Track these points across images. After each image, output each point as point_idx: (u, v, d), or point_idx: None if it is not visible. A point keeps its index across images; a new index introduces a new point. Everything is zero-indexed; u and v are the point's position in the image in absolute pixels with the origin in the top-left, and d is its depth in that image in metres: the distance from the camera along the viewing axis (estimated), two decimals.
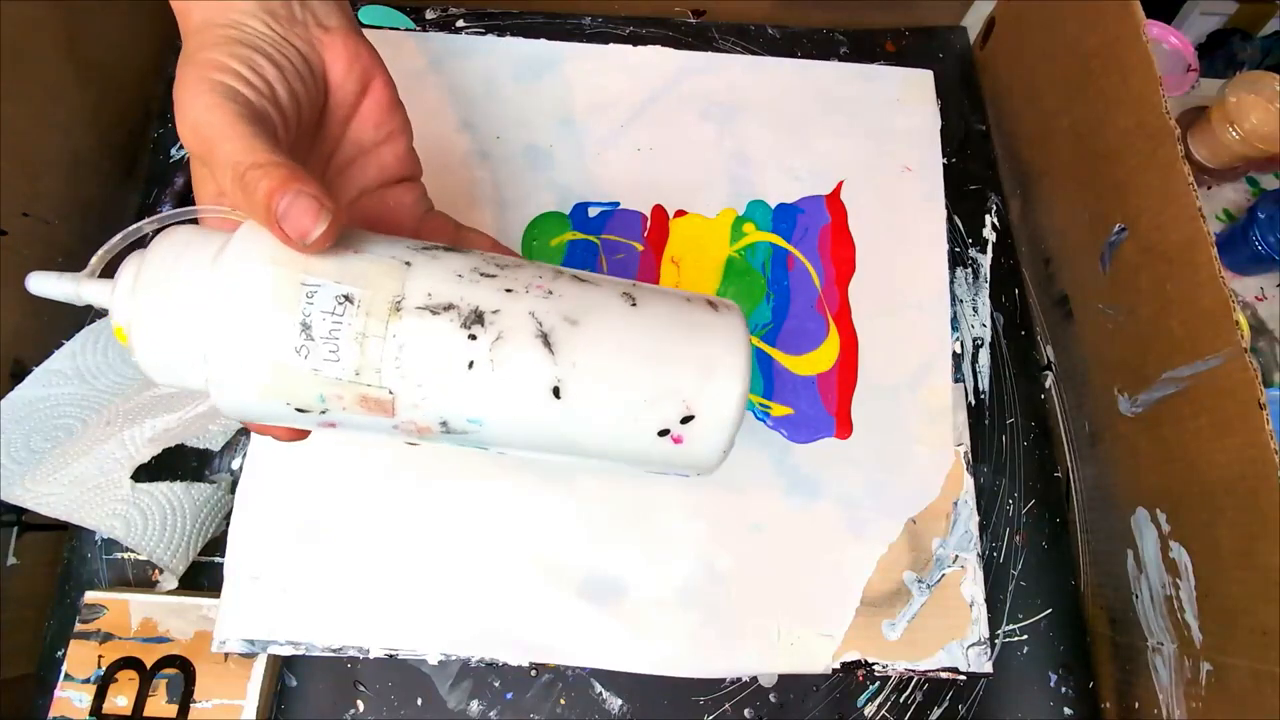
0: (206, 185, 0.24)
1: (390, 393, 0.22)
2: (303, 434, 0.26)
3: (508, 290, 0.23)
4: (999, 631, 0.39)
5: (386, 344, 0.21)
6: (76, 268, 0.23)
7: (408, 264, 0.22)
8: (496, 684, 0.37)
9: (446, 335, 0.22)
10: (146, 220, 0.23)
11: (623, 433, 0.23)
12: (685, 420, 0.23)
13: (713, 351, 0.23)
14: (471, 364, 0.22)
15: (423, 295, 0.22)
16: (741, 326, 0.24)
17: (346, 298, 0.21)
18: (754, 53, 0.50)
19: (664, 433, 0.23)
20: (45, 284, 0.23)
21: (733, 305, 0.25)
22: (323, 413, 0.22)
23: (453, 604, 0.36)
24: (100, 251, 0.23)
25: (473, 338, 0.22)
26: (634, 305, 0.24)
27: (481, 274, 0.23)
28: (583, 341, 0.22)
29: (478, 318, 0.22)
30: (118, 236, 0.22)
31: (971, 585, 0.38)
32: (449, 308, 0.22)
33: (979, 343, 0.44)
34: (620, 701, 0.37)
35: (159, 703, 0.34)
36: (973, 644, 0.37)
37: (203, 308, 0.21)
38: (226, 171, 0.21)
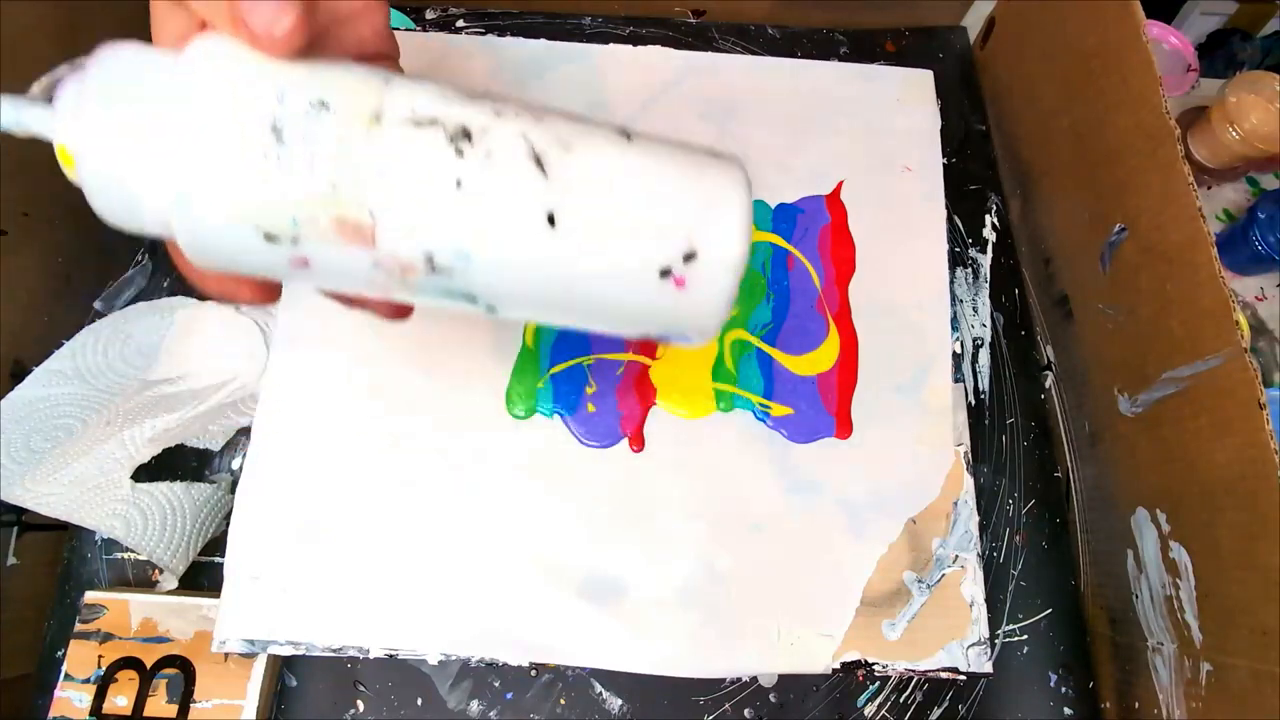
0: (165, 25, 0.22)
1: (371, 215, 0.20)
2: (272, 296, 0.23)
3: (496, 113, 0.21)
4: (999, 631, 0.39)
5: (366, 156, 0.19)
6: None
7: (387, 80, 0.20)
8: (496, 684, 0.37)
9: (432, 150, 0.20)
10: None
11: (623, 270, 0.21)
12: (688, 258, 0.21)
13: (714, 185, 0.22)
14: (459, 183, 0.20)
15: (406, 108, 0.20)
16: (743, 170, 0.23)
17: (322, 103, 0.19)
18: (754, 53, 0.50)
19: (666, 273, 0.21)
20: None
21: (733, 154, 0.24)
22: (294, 241, 0.20)
23: (453, 604, 0.36)
24: (46, 77, 0.20)
25: (460, 153, 0.20)
26: (629, 140, 0.22)
27: (468, 96, 0.21)
28: (577, 165, 0.21)
29: (465, 134, 0.20)
30: (66, 65, 0.20)
31: (971, 585, 0.38)
32: (434, 122, 0.20)
33: (979, 343, 0.44)
34: (620, 701, 0.37)
35: (159, 703, 0.34)
36: (973, 644, 0.37)
37: (160, 113, 0.19)
38: None
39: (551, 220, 0.20)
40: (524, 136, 0.20)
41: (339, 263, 0.21)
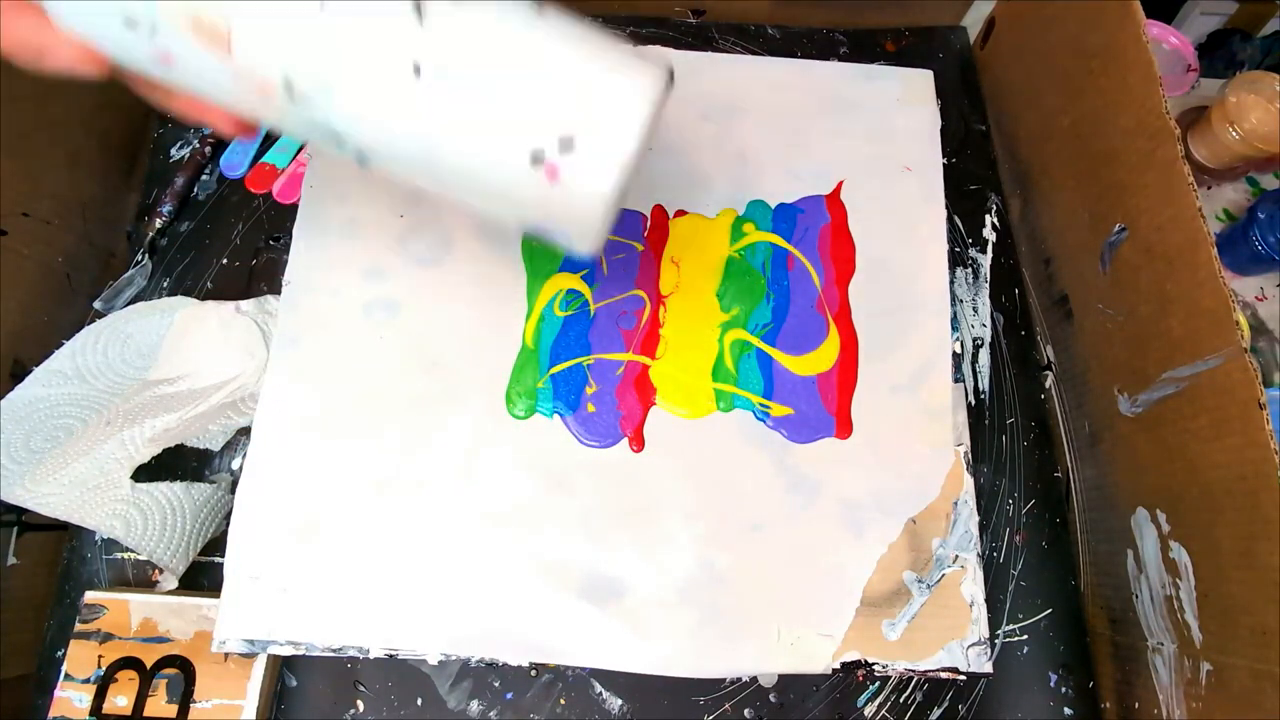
0: None
1: (227, 21, 0.19)
2: (243, 130, 0.23)
3: None
4: (999, 631, 0.39)
5: None
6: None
7: None
8: (496, 684, 0.37)
9: None
10: None
11: (489, 143, 0.20)
12: (565, 146, 0.19)
13: (616, 76, 0.20)
14: (323, 5, 0.19)
15: None
16: (663, 71, 0.21)
17: None
18: (754, 53, 0.50)
19: (538, 159, 0.19)
20: None
21: (662, 59, 0.22)
22: (152, 31, 0.19)
23: (453, 604, 0.36)
24: None
25: None
26: (538, 12, 0.20)
27: None
28: (461, 21, 0.19)
29: None
30: None
31: (971, 585, 0.38)
32: None
33: (979, 343, 0.44)
34: (620, 701, 0.37)
35: (159, 703, 0.34)
36: (973, 644, 0.37)
37: None
38: None
39: (418, 70, 0.19)
40: None
41: (199, 67, 0.20)
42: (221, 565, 0.36)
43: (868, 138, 0.47)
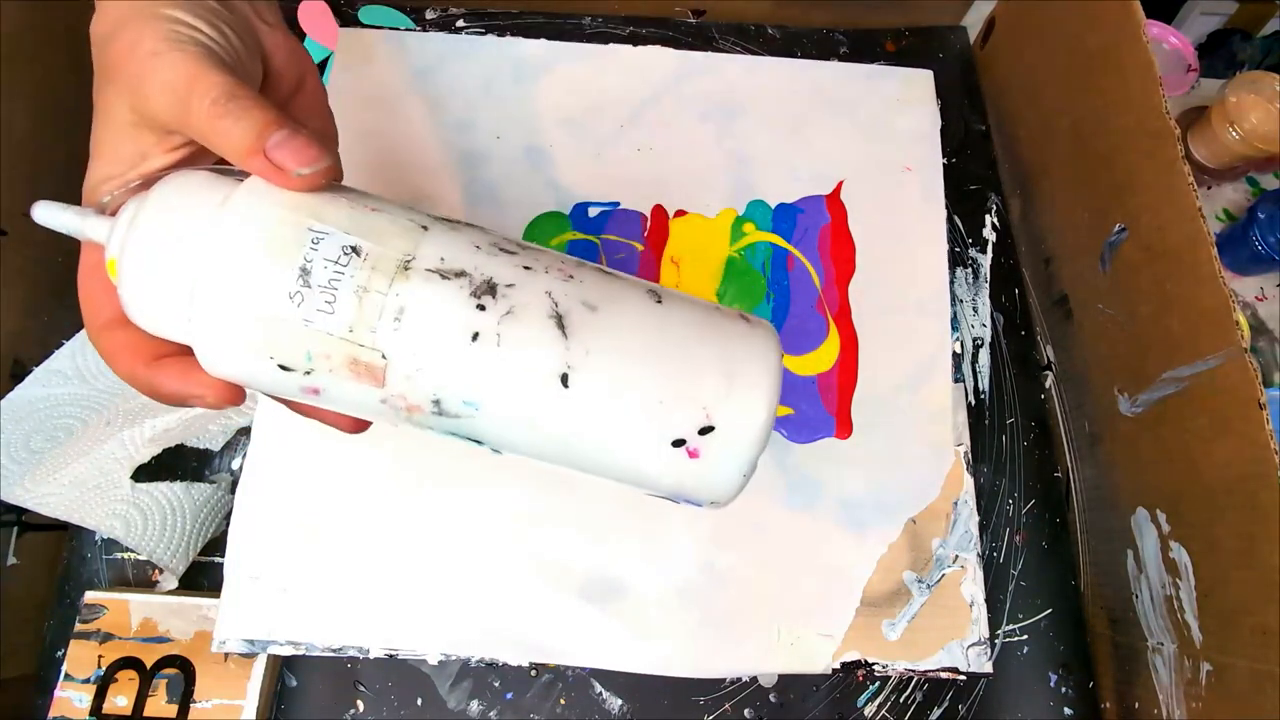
0: (124, 146, 0.22)
1: (383, 358, 0.20)
2: (361, 425, 0.24)
3: (526, 268, 0.21)
4: (999, 631, 0.39)
5: (387, 302, 0.20)
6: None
7: (425, 228, 0.21)
8: (496, 684, 0.37)
9: (453, 302, 0.20)
10: (170, 167, 0.22)
11: (634, 438, 0.21)
12: (704, 431, 0.21)
13: (742, 360, 0.22)
14: (476, 336, 0.20)
15: (435, 258, 0.20)
16: (774, 341, 0.23)
17: (354, 249, 0.20)
18: (754, 53, 0.50)
19: (679, 443, 0.21)
20: (50, 214, 0.22)
21: (766, 322, 0.24)
22: (307, 374, 0.20)
23: (453, 604, 0.36)
24: (116, 190, 0.22)
25: (481, 308, 0.20)
26: (659, 302, 0.22)
27: (501, 249, 0.22)
28: (600, 329, 0.21)
29: (489, 289, 0.20)
30: (135, 172, 0.22)
31: (971, 585, 0.38)
32: (460, 274, 0.20)
33: (979, 343, 0.44)
34: (620, 701, 0.37)
35: (159, 703, 0.34)
36: (973, 644, 0.37)
37: (198, 242, 0.20)
38: (204, 100, 0.20)
39: (565, 381, 0.21)
40: (549, 295, 0.21)
41: (348, 394, 0.21)
42: (221, 565, 0.36)
43: (868, 138, 0.47)
